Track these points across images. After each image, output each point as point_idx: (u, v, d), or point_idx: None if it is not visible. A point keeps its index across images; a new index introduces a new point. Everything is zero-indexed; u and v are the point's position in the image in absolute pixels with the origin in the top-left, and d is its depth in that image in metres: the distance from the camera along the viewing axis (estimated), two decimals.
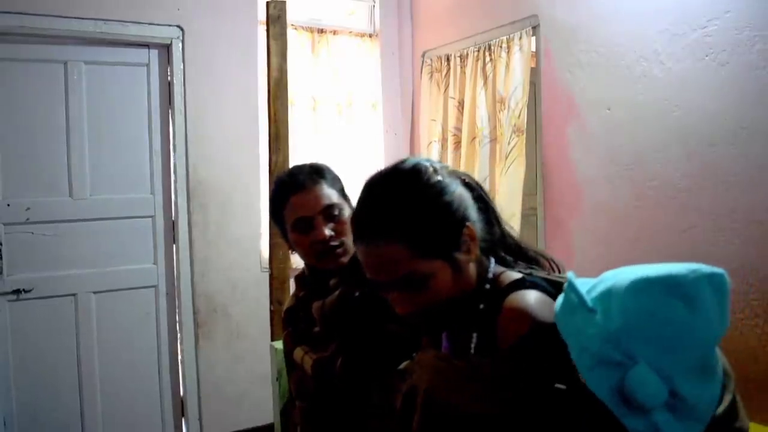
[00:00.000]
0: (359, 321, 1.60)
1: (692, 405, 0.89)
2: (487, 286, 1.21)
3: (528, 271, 1.26)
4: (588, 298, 0.95)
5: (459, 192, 1.20)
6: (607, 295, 0.94)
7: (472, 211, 1.22)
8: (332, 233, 1.64)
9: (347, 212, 1.68)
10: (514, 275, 1.22)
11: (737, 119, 2.40)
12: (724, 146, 2.45)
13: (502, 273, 1.24)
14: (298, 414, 1.77)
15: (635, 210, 2.80)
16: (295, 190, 1.67)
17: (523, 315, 1.10)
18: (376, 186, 1.23)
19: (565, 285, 1.00)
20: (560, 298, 1.03)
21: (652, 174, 2.72)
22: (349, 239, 1.64)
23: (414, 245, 1.13)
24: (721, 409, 0.94)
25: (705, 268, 0.91)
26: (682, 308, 0.89)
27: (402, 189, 1.18)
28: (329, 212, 1.65)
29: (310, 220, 1.65)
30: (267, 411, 2.97)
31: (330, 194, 1.67)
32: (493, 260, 1.26)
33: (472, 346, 1.19)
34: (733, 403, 0.97)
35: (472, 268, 1.21)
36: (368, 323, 1.58)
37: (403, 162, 1.24)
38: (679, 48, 2.59)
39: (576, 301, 0.96)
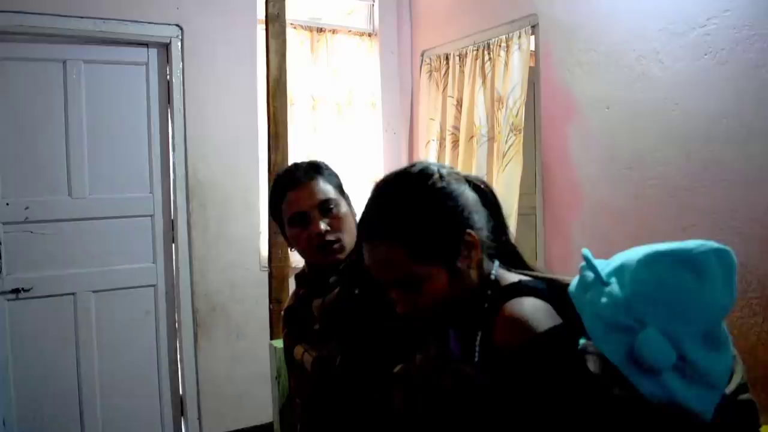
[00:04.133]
0: (358, 318, 1.60)
1: (703, 372, 0.94)
2: (489, 291, 1.22)
3: (527, 273, 1.26)
4: (603, 274, 1.00)
5: (466, 197, 1.21)
6: (620, 269, 1.00)
7: (480, 217, 1.22)
8: (328, 228, 1.66)
9: (344, 208, 1.71)
10: (512, 278, 1.24)
11: (737, 118, 2.40)
12: (724, 145, 2.45)
13: (502, 275, 1.25)
14: (299, 412, 1.77)
15: (635, 209, 2.80)
16: (292, 185, 1.69)
17: (519, 326, 1.11)
18: (383, 187, 1.25)
19: (580, 265, 1.04)
20: (575, 278, 1.07)
21: (651, 173, 2.73)
22: (345, 235, 1.68)
23: (411, 249, 1.16)
24: (730, 387, 0.98)
25: (712, 243, 0.96)
26: (690, 277, 0.94)
27: (405, 192, 1.21)
28: (325, 207, 1.67)
29: (306, 214, 1.66)
30: (266, 410, 2.97)
31: (326, 190, 1.69)
32: (497, 262, 1.27)
33: (477, 344, 1.20)
34: (743, 385, 1.02)
35: (473, 273, 1.21)
36: (367, 321, 1.59)
37: (412, 166, 1.25)
38: (678, 47, 2.59)
39: (590, 277, 1.01)
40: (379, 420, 1.47)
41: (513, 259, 1.31)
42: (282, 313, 1.93)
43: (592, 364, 1.04)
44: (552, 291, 1.19)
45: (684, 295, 0.94)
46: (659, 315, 0.94)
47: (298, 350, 1.75)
